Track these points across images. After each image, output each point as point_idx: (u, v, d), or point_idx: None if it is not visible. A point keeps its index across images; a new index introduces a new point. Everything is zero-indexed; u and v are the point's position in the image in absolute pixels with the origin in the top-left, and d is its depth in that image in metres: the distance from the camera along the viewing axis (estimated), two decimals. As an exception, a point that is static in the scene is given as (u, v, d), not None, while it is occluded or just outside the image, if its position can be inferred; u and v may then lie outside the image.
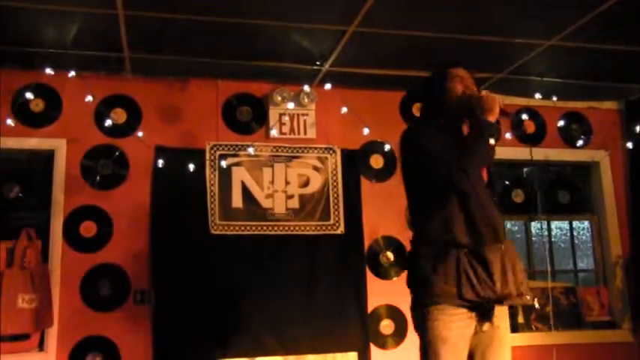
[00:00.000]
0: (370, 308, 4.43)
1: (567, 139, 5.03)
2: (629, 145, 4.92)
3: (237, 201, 4.34)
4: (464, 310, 2.40)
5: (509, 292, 2.39)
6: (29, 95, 4.11)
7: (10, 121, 4.07)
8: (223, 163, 4.34)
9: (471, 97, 2.61)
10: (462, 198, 2.47)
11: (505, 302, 2.44)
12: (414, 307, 2.54)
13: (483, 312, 2.43)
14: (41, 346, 3.98)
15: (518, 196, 4.96)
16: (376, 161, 4.66)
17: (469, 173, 2.44)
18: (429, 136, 2.57)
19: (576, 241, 5.24)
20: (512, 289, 2.39)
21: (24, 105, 4.15)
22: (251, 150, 4.39)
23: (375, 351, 4.38)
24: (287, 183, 4.46)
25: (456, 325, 2.39)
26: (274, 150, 4.48)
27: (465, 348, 2.42)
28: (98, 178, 4.21)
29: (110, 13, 3.41)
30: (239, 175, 4.39)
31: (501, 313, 2.50)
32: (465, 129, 2.66)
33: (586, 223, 5.24)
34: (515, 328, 4.68)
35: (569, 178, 5.19)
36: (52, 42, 3.80)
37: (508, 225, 5.15)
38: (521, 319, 4.68)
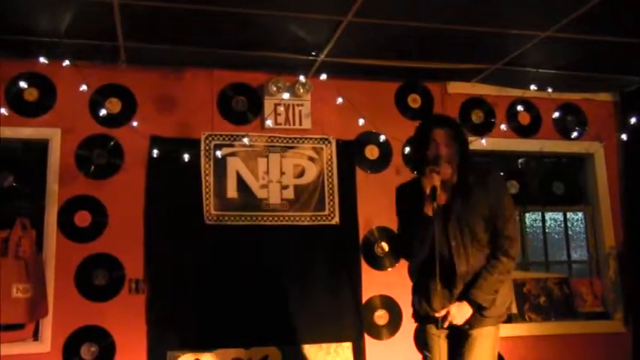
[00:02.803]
0: (365, 299, 4.44)
1: (562, 130, 5.04)
2: (624, 136, 4.93)
3: (232, 191, 4.34)
4: None
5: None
6: (23, 84, 4.10)
7: (3, 111, 4.05)
8: (218, 153, 4.33)
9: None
10: None
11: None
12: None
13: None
14: (36, 336, 3.99)
15: (512, 187, 4.96)
16: (371, 152, 4.66)
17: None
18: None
19: (570, 232, 5.26)
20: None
21: (18, 94, 4.13)
22: (246, 140, 4.38)
23: (369, 341, 4.40)
24: (282, 173, 4.46)
25: None
26: (269, 140, 4.48)
27: None
28: (93, 167, 4.20)
29: (105, 1, 3.39)
30: (234, 165, 4.39)
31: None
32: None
33: (580, 215, 5.26)
34: (509, 318, 4.70)
35: (563, 170, 5.20)
36: (47, 31, 3.78)
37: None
38: (515, 310, 4.70)
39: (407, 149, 4.16)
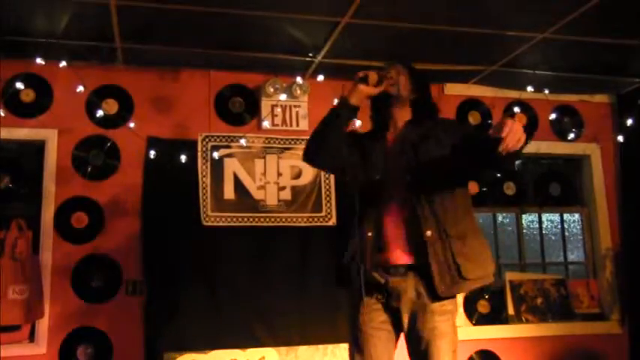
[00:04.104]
0: (362, 300, 4.44)
1: (559, 132, 5.04)
2: (620, 138, 4.94)
3: (229, 192, 4.34)
4: None
5: None
6: (19, 85, 4.08)
7: (0, 111, 4.04)
8: (215, 155, 4.33)
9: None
10: None
11: None
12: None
13: None
14: (32, 338, 3.97)
15: (509, 188, 4.98)
16: (368, 153, 4.66)
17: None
18: None
19: (567, 234, 5.27)
20: None
21: (14, 95, 4.12)
22: (243, 141, 4.38)
23: (366, 342, 4.39)
24: (279, 174, 4.45)
25: None
26: (266, 141, 4.47)
27: None
28: (89, 168, 4.20)
29: (102, 2, 3.39)
30: (231, 166, 4.38)
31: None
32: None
33: (576, 216, 5.26)
34: (505, 319, 4.71)
35: (560, 171, 5.21)
36: (43, 31, 3.77)
37: (500, 217, 5.18)
38: (511, 311, 4.71)
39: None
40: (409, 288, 2.41)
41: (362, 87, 2.54)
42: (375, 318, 2.50)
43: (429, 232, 2.39)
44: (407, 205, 2.46)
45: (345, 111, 2.58)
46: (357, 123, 4.47)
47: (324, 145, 2.57)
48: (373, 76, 2.54)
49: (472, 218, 2.56)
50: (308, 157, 2.66)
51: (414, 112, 2.65)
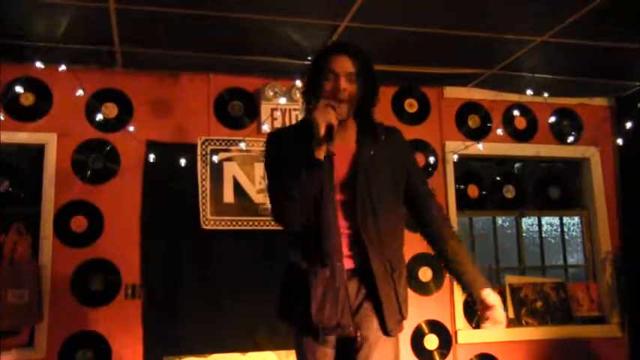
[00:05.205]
0: (361, 303, 4.43)
1: (558, 135, 5.04)
2: (620, 141, 4.95)
3: (228, 196, 4.33)
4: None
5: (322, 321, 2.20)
6: (19, 89, 4.08)
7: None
8: (215, 158, 4.33)
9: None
10: None
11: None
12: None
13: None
14: (31, 342, 3.96)
15: (508, 191, 4.98)
16: (368, 156, 4.66)
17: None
18: None
19: (566, 237, 5.27)
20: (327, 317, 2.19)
21: (14, 99, 4.11)
22: (243, 145, 4.38)
23: (366, 346, 4.38)
24: (279, 178, 4.44)
25: None
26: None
27: None
28: (89, 172, 4.19)
29: (101, 6, 3.39)
30: (231, 170, 4.37)
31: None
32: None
33: (576, 219, 5.27)
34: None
35: (559, 174, 5.21)
36: (43, 35, 3.78)
37: (499, 220, 5.18)
38: (511, 315, 4.70)
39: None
40: None
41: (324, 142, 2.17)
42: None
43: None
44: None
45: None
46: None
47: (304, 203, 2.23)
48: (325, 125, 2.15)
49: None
50: (288, 221, 2.31)
51: (361, 121, 2.38)
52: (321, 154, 2.15)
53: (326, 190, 2.23)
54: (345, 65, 2.28)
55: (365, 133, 2.36)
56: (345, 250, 2.26)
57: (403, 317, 2.32)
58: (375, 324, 2.23)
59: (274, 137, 2.44)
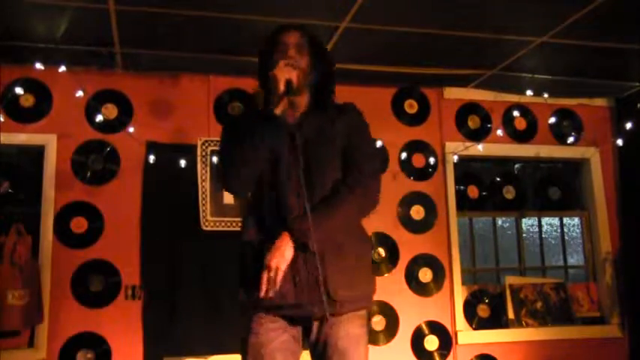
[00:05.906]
0: (361, 304, 4.43)
1: (558, 135, 5.04)
2: (620, 142, 4.94)
3: (228, 197, 4.33)
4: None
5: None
6: (19, 90, 4.08)
7: (-1, 116, 4.05)
8: (215, 159, 4.33)
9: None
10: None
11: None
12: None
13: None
14: (31, 343, 3.96)
15: (508, 192, 4.98)
16: (368, 157, 4.65)
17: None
18: None
19: (566, 237, 5.27)
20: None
21: (14, 100, 4.11)
22: (243, 146, 4.37)
23: (366, 347, 4.38)
24: (279, 179, 4.44)
25: None
26: (266, 146, 4.47)
27: None
28: (89, 173, 4.19)
29: (101, 7, 3.39)
30: (231, 170, 4.37)
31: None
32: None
33: (576, 220, 5.27)
34: (505, 323, 4.71)
35: (559, 175, 5.21)
36: (43, 36, 3.77)
37: (499, 221, 5.18)
38: (511, 315, 4.70)
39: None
40: None
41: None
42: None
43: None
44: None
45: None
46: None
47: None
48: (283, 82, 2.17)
49: None
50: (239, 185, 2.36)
51: (314, 96, 2.37)
52: (278, 109, 2.15)
53: (285, 155, 2.23)
54: (293, 37, 2.32)
55: (314, 107, 2.36)
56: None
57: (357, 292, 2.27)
58: (326, 301, 2.20)
59: (230, 122, 2.50)
